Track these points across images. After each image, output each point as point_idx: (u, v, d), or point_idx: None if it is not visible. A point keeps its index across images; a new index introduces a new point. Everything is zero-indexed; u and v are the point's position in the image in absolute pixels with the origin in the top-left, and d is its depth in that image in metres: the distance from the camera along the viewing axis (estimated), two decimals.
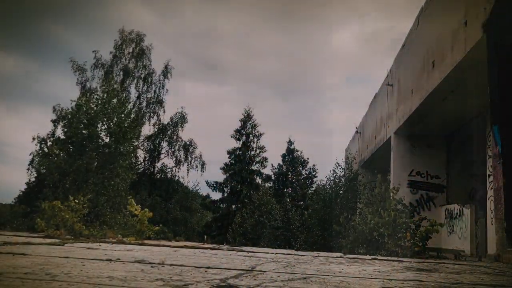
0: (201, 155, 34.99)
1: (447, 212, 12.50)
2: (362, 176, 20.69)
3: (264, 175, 32.26)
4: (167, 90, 33.75)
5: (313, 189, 32.64)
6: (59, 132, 26.26)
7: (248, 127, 32.66)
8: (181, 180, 35.74)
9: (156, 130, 33.39)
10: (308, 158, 35.09)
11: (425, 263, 4.99)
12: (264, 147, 32.46)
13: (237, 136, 32.68)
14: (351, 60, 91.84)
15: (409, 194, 13.17)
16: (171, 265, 3.36)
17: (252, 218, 27.36)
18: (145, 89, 32.97)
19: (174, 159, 34.15)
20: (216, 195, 33.20)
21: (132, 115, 22.42)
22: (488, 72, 6.73)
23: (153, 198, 32.71)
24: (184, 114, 34.29)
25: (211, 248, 5.98)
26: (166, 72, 33.72)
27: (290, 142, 35.20)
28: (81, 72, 30.72)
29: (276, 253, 5.58)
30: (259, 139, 32.55)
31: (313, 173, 34.67)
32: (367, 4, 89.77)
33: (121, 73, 31.95)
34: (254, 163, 32.11)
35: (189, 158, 34.48)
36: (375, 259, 5.44)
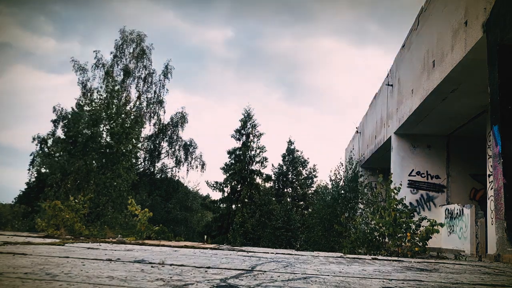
0: (201, 155, 35.05)
1: (447, 212, 12.51)
2: (362, 176, 20.70)
3: (264, 175, 32.25)
4: (167, 90, 33.84)
5: (313, 189, 32.64)
6: (60, 132, 26.34)
7: (248, 127, 32.64)
8: (181, 180, 35.78)
9: (156, 130, 33.43)
10: (308, 158, 35.12)
11: (425, 263, 4.99)
12: (264, 147, 32.47)
13: (237, 136, 32.69)
14: None
15: (409, 194, 13.18)
16: (171, 265, 3.37)
17: (252, 218, 27.37)
18: (145, 89, 33.03)
19: (174, 159, 34.19)
20: (216, 195, 33.27)
21: (132, 116, 22.45)
22: (488, 72, 6.74)
23: (153, 198, 32.73)
24: (184, 114, 34.35)
25: (211, 248, 5.98)
26: (166, 72, 33.78)
27: (290, 142, 35.21)
28: (82, 72, 30.77)
29: (276, 253, 5.58)
30: (259, 139, 32.57)
31: (313, 173, 34.67)
32: None
33: (122, 73, 32.01)
34: (254, 163, 32.11)
35: (189, 158, 34.52)
36: (375, 259, 5.44)
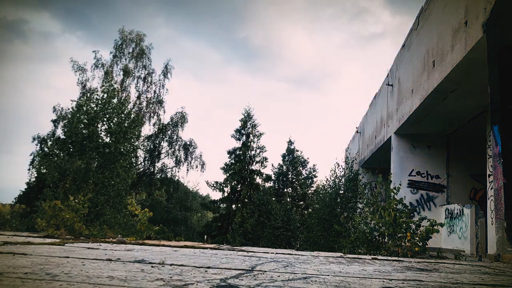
0: (201, 155, 35.04)
1: (447, 212, 12.51)
2: (362, 176, 20.71)
3: (264, 175, 32.26)
4: (167, 89, 33.82)
5: (313, 189, 32.63)
6: (59, 132, 26.35)
7: (248, 127, 32.64)
8: (181, 180, 35.71)
9: (156, 130, 33.42)
10: (308, 158, 35.12)
11: (425, 263, 4.99)
12: (264, 147, 32.48)
13: (237, 136, 32.68)
14: None
15: (409, 194, 13.19)
16: (171, 265, 3.36)
17: (252, 218, 27.35)
18: (145, 89, 33.03)
19: (174, 159, 34.16)
20: (216, 195, 33.22)
21: (132, 115, 22.43)
22: (488, 72, 6.74)
23: (153, 198, 32.72)
24: (184, 114, 34.34)
25: (211, 248, 5.98)
26: (166, 72, 33.77)
27: (290, 142, 35.21)
28: (82, 72, 30.76)
29: (276, 253, 5.58)
30: (259, 139, 32.57)
31: (313, 173, 34.67)
32: None
33: (121, 73, 32.02)
34: (254, 163, 32.10)
35: (189, 158, 34.50)
36: (375, 259, 5.44)
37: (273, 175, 33.55)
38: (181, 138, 34.28)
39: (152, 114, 33.25)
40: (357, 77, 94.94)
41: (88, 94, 26.12)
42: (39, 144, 28.32)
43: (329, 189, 20.21)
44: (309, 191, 33.40)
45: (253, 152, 32.17)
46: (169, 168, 34.41)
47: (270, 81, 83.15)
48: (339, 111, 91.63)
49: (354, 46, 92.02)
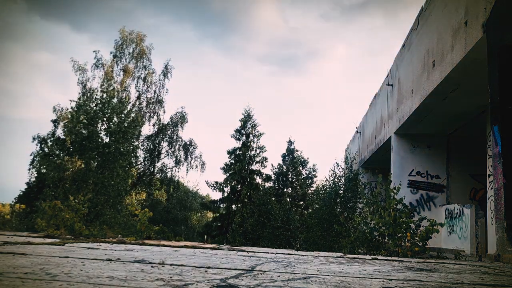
0: (201, 155, 35.05)
1: (447, 212, 12.51)
2: (362, 176, 20.70)
3: (264, 175, 32.24)
4: (167, 90, 33.84)
5: (313, 189, 32.62)
6: (59, 132, 26.34)
7: (248, 127, 32.63)
8: (181, 180, 35.68)
9: (156, 130, 33.42)
10: (308, 158, 35.11)
11: (425, 263, 4.99)
12: (264, 147, 32.47)
13: (237, 136, 32.67)
14: None
15: (409, 194, 13.19)
16: (171, 265, 3.36)
17: (252, 218, 27.34)
18: (145, 89, 33.03)
19: (174, 159, 34.16)
20: (216, 195, 33.16)
21: (132, 115, 22.42)
22: (488, 72, 6.74)
23: (153, 198, 32.71)
24: (184, 113, 34.35)
25: (211, 248, 5.98)
26: (166, 72, 33.78)
27: (290, 142, 35.20)
28: (82, 72, 30.75)
29: (276, 253, 5.58)
30: (259, 139, 32.56)
31: (313, 173, 34.66)
32: None
33: (121, 73, 32.01)
34: (254, 163, 32.09)
35: (189, 158, 34.49)
36: (375, 259, 5.44)
37: (273, 175, 33.53)
38: (181, 138, 34.30)
39: (152, 114, 33.27)
40: (345, 54, 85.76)
41: (88, 94, 26.12)
42: (39, 144, 28.32)
43: (328, 189, 20.19)
44: (309, 191, 33.39)
45: (253, 152, 32.15)
46: (169, 168, 34.41)
47: (248, 61, 75.10)
48: (337, 108, 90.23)
49: (336, 19, 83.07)
